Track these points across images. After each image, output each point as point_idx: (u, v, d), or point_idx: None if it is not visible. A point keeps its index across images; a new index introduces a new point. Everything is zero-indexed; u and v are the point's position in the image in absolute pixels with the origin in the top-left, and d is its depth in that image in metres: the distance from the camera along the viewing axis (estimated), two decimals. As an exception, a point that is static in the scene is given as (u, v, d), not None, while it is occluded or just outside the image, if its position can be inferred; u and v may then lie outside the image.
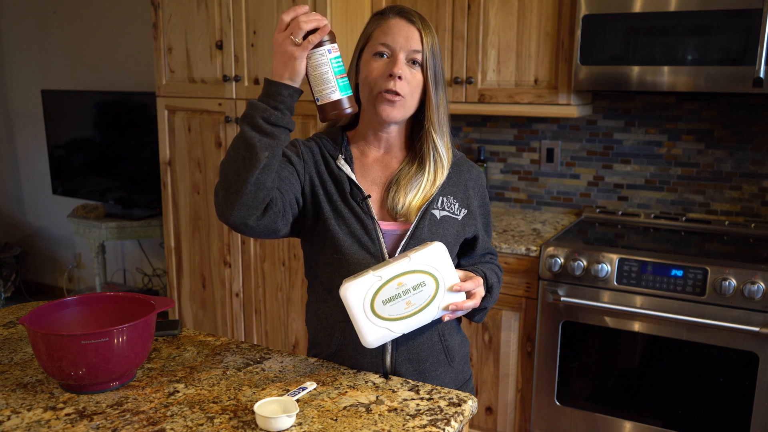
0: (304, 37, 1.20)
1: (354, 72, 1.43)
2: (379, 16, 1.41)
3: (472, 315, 1.46)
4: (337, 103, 1.25)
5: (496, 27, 2.64)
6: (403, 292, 1.24)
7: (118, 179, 3.92)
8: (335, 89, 1.24)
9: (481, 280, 1.35)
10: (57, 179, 4.16)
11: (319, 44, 1.23)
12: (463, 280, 1.31)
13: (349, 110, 1.25)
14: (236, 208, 1.25)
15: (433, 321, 1.31)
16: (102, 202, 4.00)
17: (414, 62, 1.37)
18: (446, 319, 1.30)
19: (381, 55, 1.37)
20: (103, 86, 4.09)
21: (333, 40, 1.24)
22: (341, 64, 1.25)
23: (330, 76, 1.23)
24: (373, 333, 1.26)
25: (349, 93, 1.26)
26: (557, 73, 2.56)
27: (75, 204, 4.29)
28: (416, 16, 1.38)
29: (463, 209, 1.45)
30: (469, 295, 1.31)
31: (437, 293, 1.26)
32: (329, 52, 1.23)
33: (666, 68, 2.31)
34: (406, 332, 1.29)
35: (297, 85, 1.24)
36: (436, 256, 1.25)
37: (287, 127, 1.25)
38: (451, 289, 1.27)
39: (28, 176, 4.69)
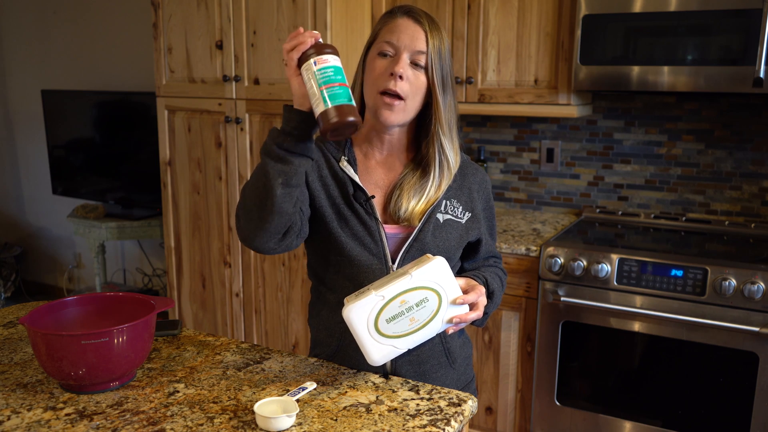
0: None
1: (360, 71, 1.42)
2: (387, 15, 1.40)
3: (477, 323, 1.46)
4: (322, 115, 1.16)
5: (496, 27, 2.64)
6: (407, 310, 1.24)
7: (118, 179, 3.93)
8: (320, 101, 1.16)
9: (483, 289, 1.33)
10: (57, 179, 4.17)
11: (305, 59, 1.17)
12: (465, 288, 1.30)
13: (334, 119, 1.16)
14: (258, 234, 1.27)
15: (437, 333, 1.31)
16: (102, 202, 4.00)
17: (417, 64, 1.34)
18: (450, 331, 1.29)
19: (385, 54, 1.35)
20: (103, 86, 4.09)
21: (321, 51, 1.17)
22: (330, 73, 1.17)
23: (315, 89, 1.16)
24: (379, 351, 1.26)
25: (341, 101, 1.16)
26: (557, 73, 2.56)
27: (75, 204, 4.29)
28: (424, 17, 1.36)
29: (467, 213, 1.44)
30: (472, 306, 1.30)
31: (440, 308, 1.26)
32: (314, 65, 1.17)
33: (666, 68, 2.31)
34: (411, 348, 1.28)
35: (306, 108, 1.20)
36: (437, 271, 1.24)
37: (302, 153, 1.23)
38: (454, 302, 1.26)
39: (28, 176, 4.69)
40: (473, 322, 1.45)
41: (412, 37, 1.34)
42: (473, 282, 1.34)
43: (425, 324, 1.26)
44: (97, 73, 4.14)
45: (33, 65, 4.44)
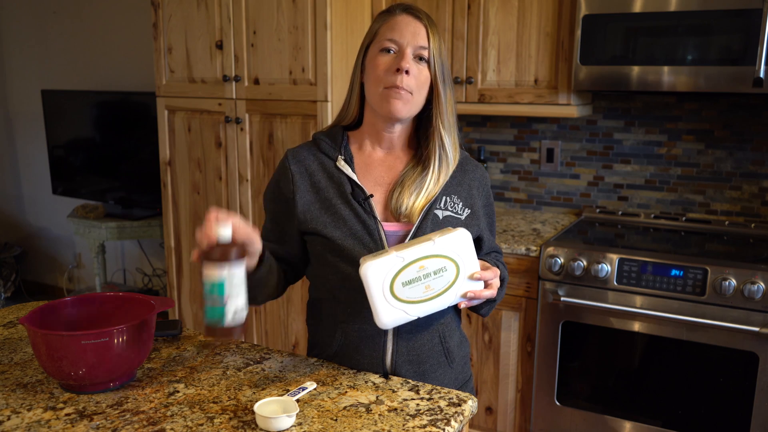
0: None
1: (359, 70, 1.42)
2: (386, 14, 1.41)
3: (479, 308, 1.46)
4: (204, 322, 1.17)
5: (496, 27, 2.64)
6: (424, 276, 1.23)
7: (118, 179, 3.92)
8: (203, 306, 1.16)
9: (498, 272, 1.34)
10: (57, 179, 4.16)
11: (203, 257, 1.15)
12: (482, 269, 1.30)
13: (205, 334, 1.16)
14: (257, 304, 1.41)
15: (448, 307, 1.30)
16: (102, 202, 4.00)
17: (421, 58, 1.36)
18: (462, 306, 1.29)
19: (388, 50, 1.36)
20: (103, 86, 4.09)
21: (211, 258, 1.13)
22: (207, 288, 1.14)
23: (204, 290, 1.16)
24: (390, 314, 1.24)
25: (212, 320, 1.15)
26: (557, 73, 2.56)
27: (75, 204, 4.29)
28: (423, 14, 1.39)
29: (467, 209, 1.44)
30: (487, 284, 1.30)
31: (457, 279, 1.25)
32: (202, 269, 1.15)
33: (666, 68, 2.31)
34: (421, 316, 1.27)
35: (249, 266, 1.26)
36: (460, 242, 1.23)
37: (258, 273, 1.32)
38: (471, 277, 1.26)
39: (28, 176, 4.69)
40: (479, 311, 1.46)
41: (413, 33, 1.36)
42: (488, 264, 1.35)
43: (440, 294, 1.25)
44: (97, 73, 4.14)
45: (33, 65, 4.44)
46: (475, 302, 1.31)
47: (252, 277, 1.30)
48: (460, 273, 1.25)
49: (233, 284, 1.14)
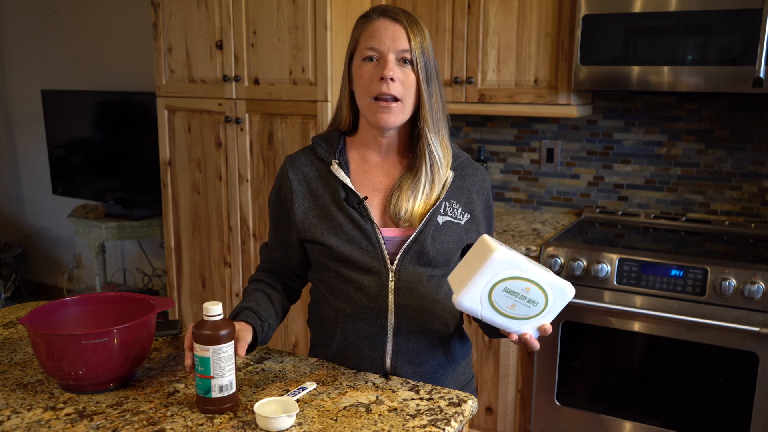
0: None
1: (347, 79, 1.41)
2: (363, 19, 1.38)
3: (491, 332, 1.42)
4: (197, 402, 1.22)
5: (496, 27, 2.64)
6: (521, 297, 1.22)
7: (118, 179, 3.93)
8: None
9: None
10: (57, 179, 4.17)
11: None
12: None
13: (198, 405, 1.20)
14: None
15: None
16: (102, 202, 4.00)
17: (405, 61, 1.34)
18: (512, 338, 1.27)
19: (370, 59, 1.34)
20: (103, 86, 4.09)
21: (199, 339, 1.18)
22: (197, 362, 1.18)
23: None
24: (472, 299, 1.22)
25: (199, 393, 1.20)
26: (557, 73, 2.56)
27: (75, 204, 4.29)
28: (401, 14, 1.35)
29: (466, 214, 1.43)
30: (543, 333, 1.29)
31: (532, 318, 1.25)
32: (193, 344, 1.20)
33: (666, 68, 2.31)
34: (485, 321, 1.26)
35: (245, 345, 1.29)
36: (564, 297, 1.23)
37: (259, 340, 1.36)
38: (540, 326, 1.26)
39: (28, 176, 4.69)
40: (489, 332, 1.42)
41: (393, 37, 1.33)
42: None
43: (513, 317, 1.24)
44: (97, 73, 4.14)
45: (33, 65, 4.44)
46: (528, 343, 1.28)
47: (252, 347, 1.36)
48: (539, 316, 1.24)
49: (219, 362, 1.18)
